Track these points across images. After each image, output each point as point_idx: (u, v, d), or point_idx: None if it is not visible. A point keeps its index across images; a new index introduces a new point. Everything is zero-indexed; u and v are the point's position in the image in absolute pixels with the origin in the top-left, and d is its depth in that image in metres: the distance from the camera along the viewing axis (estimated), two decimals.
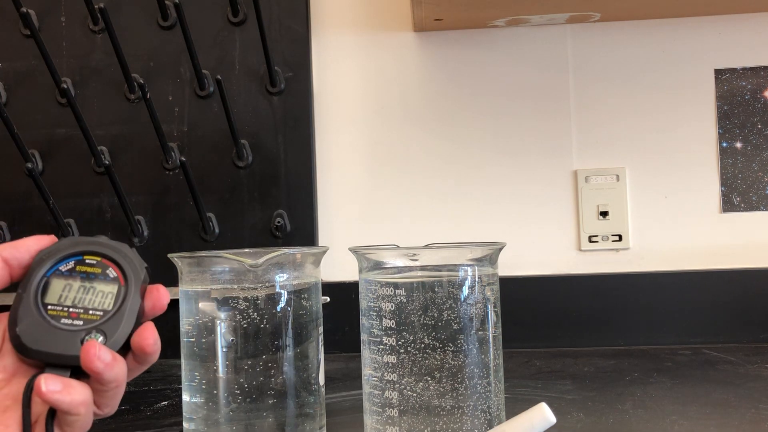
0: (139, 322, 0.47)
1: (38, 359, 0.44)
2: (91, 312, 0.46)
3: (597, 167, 1.25)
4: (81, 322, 0.45)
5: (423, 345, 0.65)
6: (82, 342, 0.44)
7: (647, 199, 1.25)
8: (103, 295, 0.47)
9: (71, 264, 0.47)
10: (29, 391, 0.43)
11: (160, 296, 0.49)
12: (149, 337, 0.46)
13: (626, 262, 1.24)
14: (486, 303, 0.67)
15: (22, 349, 0.44)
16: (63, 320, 0.45)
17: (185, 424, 0.71)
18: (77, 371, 0.44)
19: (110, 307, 0.46)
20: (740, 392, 0.88)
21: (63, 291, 0.46)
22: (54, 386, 0.42)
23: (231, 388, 0.69)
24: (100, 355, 0.43)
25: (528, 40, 1.27)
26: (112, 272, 0.47)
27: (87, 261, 0.48)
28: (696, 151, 1.24)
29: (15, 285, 0.48)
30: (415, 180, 1.27)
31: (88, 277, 0.47)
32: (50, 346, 0.44)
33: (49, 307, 0.46)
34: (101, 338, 0.45)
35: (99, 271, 0.47)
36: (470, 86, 1.27)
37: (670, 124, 1.25)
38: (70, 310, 0.46)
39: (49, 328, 0.45)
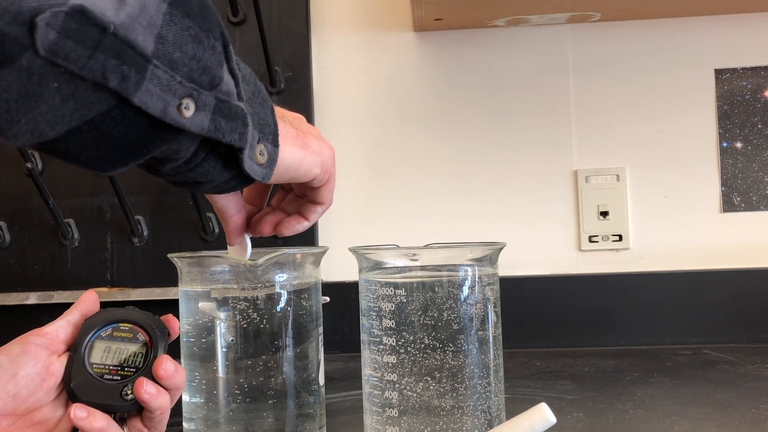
0: None
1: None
2: (126, 369, 0.58)
3: (597, 167, 1.25)
4: (119, 378, 0.57)
5: (423, 345, 0.65)
6: (120, 394, 0.56)
7: (647, 199, 1.25)
8: (134, 355, 0.58)
9: (109, 330, 0.59)
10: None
11: (172, 324, 0.61)
12: (159, 368, 0.57)
13: (626, 262, 1.24)
14: (486, 303, 0.67)
15: (75, 400, 0.56)
16: (105, 376, 0.57)
17: (185, 424, 0.71)
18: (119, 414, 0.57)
19: (141, 365, 0.58)
20: (740, 392, 0.88)
21: (104, 352, 0.58)
22: (80, 413, 0.54)
23: (231, 389, 0.69)
24: (147, 389, 0.55)
25: (528, 40, 1.27)
26: (141, 336, 0.59)
27: (121, 327, 0.59)
28: (696, 151, 1.24)
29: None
30: (415, 180, 1.27)
31: (122, 340, 0.59)
32: (97, 397, 0.56)
33: (94, 365, 0.57)
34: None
35: (131, 335, 0.59)
36: (470, 86, 1.27)
37: (670, 124, 1.25)
38: (110, 367, 0.58)
39: (95, 383, 0.57)
